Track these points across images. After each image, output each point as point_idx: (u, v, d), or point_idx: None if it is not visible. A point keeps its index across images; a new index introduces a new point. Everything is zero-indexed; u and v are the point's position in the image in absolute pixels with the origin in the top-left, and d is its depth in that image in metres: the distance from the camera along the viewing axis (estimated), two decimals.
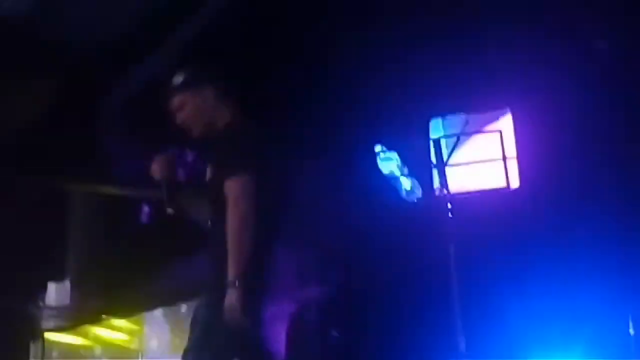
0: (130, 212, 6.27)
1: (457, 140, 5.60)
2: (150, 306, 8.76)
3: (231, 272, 3.39)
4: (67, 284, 8.95)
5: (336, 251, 5.93)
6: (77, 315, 9.13)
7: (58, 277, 8.97)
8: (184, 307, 9.02)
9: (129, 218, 6.30)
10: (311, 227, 5.89)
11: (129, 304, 9.12)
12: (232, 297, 3.36)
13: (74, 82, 5.40)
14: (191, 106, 3.74)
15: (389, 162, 5.89)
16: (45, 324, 9.48)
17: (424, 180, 5.82)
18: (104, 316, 9.06)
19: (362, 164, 5.77)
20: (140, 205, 6.36)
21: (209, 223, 3.66)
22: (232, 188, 3.45)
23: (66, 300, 9.12)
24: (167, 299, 8.98)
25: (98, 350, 9.42)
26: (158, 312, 9.18)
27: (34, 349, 10.08)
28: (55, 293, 9.11)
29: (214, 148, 3.67)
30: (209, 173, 3.68)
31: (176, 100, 3.75)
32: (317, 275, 5.79)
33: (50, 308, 9.84)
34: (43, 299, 9.28)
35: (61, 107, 5.43)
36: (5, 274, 8.93)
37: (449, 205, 5.41)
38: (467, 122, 5.79)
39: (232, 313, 3.36)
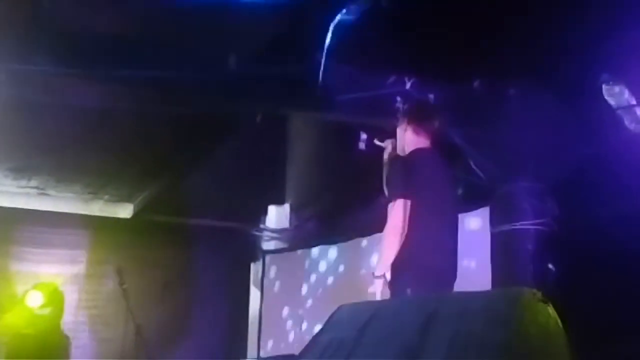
0: (348, 139, 6.44)
1: None
2: (365, 233, 8.91)
3: (378, 267, 4.69)
4: (286, 207, 9.35)
5: (555, 184, 5.79)
6: (296, 238, 9.52)
7: (278, 202, 9.39)
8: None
9: (348, 145, 6.48)
10: (531, 158, 5.79)
11: (343, 229, 9.36)
12: (375, 287, 4.63)
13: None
14: (399, 131, 5.10)
15: (615, 93, 5.61)
16: (266, 245, 9.99)
17: None
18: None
19: (587, 95, 5.56)
20: (357, 133, 6.51)
21: None
22: (391, 206, 4.68)
23: (285, 224, 9.53)
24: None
25: None
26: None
27: (254, 268, 10.68)
28: (276, 216, 9.55)
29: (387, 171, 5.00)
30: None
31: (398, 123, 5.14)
32: (535, 206, 5.70)
33: (271, 230, 10.47)
34: (264, 222, 9.77)
35: (286, 35, 5.59)
36: (231, 199, 9.41)
37: None
38: None
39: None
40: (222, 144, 7.54)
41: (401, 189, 4.71)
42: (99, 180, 9.07)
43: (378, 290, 4.61)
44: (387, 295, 4.58)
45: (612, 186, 5.41)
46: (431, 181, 4.82)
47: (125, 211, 9.99)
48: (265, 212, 9.20)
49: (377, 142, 5.29)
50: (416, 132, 5.02)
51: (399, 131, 5.10)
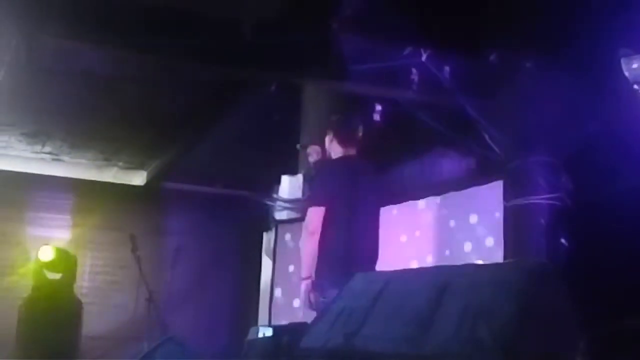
0: (362, 110, 6.42)
1: None
2: None
3: (303, 270, 5.08)
4: (299, 178, 9.36)
5: (569, 159, 5.76)
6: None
7: (291, 172, 9.40)
8: None
9: (362, 116, 6.45)
10: (545, 132, 5.76)
11: None
12: (303, 288, 5.04)
13: None
14: (326, 141, 5.46)
15: (633, 67, 5.55)
16: (278, 215, 10.01)
17: None
18: None
19: (603, 69, 5.51)
20: (372, 103, 6.47)
21: None
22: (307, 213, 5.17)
23: (298, 194, 9.55)
24: (395, 198, 9.07)
25: None
26: None
27: (266, 237, 10.71)
28: (289, 186, 9.56)
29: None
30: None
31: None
32: (548, 181, 5.68)
33: (283, 200, 10.43)
34: (277, 192, 9.78)
35: (300, 4, 5.55)
36: (243, 168, 9.41)
37: None
38: None
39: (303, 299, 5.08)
40: (236, 113, 7.53)
41: (315, 198, 5.23)
42: (113, 147, 9.09)
43: (303, 291, 5.04)
44: (313, 296, 4.98)
45: (626, 161, 5.39)
46: (345, 188, 5.18)
47: (138, 178, 10.03)
48: (278, 182, 9.21)
49: (299, 147, 5.91)
50: (342, 143, 5.38)
51: (326, 141, 5.46)
